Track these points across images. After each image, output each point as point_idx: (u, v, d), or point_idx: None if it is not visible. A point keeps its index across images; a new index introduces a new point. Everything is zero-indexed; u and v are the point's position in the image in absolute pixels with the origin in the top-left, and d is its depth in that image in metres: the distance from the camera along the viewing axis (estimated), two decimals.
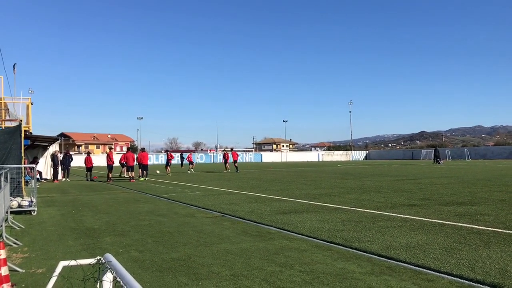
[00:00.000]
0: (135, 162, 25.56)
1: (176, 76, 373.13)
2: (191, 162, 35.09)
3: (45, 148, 27.35)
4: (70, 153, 30.38)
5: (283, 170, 37.06)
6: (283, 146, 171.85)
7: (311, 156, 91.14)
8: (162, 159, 77.22)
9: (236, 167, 32.09)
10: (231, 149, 35.87)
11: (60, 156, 26.96)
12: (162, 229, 8.08)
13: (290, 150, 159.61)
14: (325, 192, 14.48)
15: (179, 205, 11.92)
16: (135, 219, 9.44)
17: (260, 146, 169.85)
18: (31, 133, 18.03)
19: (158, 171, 32.43)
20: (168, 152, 31.08)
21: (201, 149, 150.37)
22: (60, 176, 26.74)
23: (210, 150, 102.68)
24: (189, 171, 33.86)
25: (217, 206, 11.23)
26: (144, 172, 24.81)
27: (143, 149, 26.90)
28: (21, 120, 13.65)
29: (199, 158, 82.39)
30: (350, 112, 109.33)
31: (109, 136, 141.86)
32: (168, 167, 29.49)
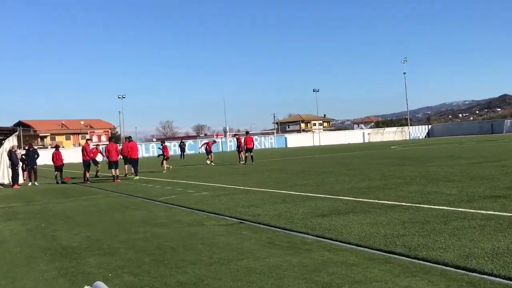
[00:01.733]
0: (119, 156, 25.83)
1: (165, 37, 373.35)
2: (209, 152, 35.67)
3: None
4: (35, 147, 30.82)
5: (317, 157, 37.02)
6: (314, 124, 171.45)
7: (353, 137, 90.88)
8: (153, 150, 77.89)
9: (252, 157, 32.11)
10: (247, 132, 35.93)
11: (19, 153, 27.36)
12: (162, 243, 8.19)
13: (324, 130, 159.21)
14: (376, 185, 14.42)
15: (181, 211, 12.02)
16: (125, 231, 9.58)
17: (283, 127, 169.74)
18: None
19: (170, 166, 32.77)
20: (163, 145, 31.16)
21: (205, 134, 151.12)
22: (21, 180, 27.22)
23: (217, 135, 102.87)
24: (209, 162, 34.62)
25: (232, 210, 11.30)
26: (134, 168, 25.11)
27: (129, 138, 27.16)
28: None
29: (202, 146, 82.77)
30: (404, 73, 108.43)
31: (82, 123, 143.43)
32: (165, 162, 29.70)
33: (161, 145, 31.77)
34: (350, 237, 7.64)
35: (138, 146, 26.56)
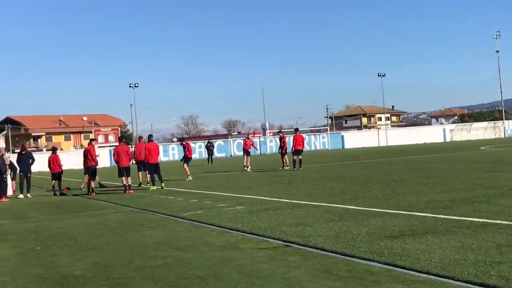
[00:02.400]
0: (132, 161, 26.10)
1: (187, 12, 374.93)
2: (247, 153, 36.80)
3: None
4: (28, 149, 31.33)
5: (383, 161, 36.71)
6: (379, 119, 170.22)
7: (430, 134, 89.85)
8: (174, 153, 78.60)
9: (300, 161, 32.02)
10: (296, 130, 35.86)
11: (8, 158, 27.80)
12: (187, 272, 8.24)
13: (392, 126, 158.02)
14: (462, 197, 14.22)
15: (210, 230, 12.06)
16: (140, 256, 9.68)
17: (339, 122, 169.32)
18: None
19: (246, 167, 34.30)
20: (185, 143, 31.38)
21: (238, 132, 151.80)
22: (10, 191, 27.69)
23: (254, 133, 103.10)
24: (246, 169, 35.60)
25: (275, 230, 11.29)
26: (149, 175, 25.30)
27: (149, 138, 27.23)
28: None
29: (234, 146, 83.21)
30: (497, 52, 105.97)
31: (84, 119, 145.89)
32: (186, 166, 30.00)
33: (182, 144, 31.68)
34: (429, 265, 7.54)
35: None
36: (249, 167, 35.83)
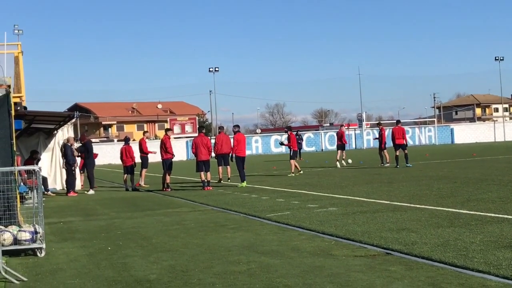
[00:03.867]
0: (212, 154, 26.34)
1: None
2: (341, 147, 37.06)
3: (49, 134, 29.47)
4: (90, 139, 32.14)
5: (501, 159, 35.88)
6: (496, 110, 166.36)
7: None
8: (257, 146, 79.06)
9: (406, 156, 31.68)
10: (398, 122, 35.63)
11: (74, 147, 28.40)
12: (274, 279, 8.27)
13: (511, 118, 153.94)
14: None
15: (299, 234, 12.09)
16: (221, 261, 9.77)
17: (448, 113, 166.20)
18: (25, 107, 19.27)
19: (349, 160, 36.45)
20: (289, 132, 31.31)
21: (331, 124, 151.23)
22: (78, 185, 28.44)
23: (349, 125, 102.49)
24: (340, 164, 36.22)
25: (373, 235, 11.23)
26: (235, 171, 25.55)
27: (235, 128, 27.44)
28: (8, 86, 14.58)
29: (326, 139, 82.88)
30: None
31: (159, 106, 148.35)
32: (294, 161, 30.35)
33: (287, 132, 31.52)
34: None
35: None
36: (338, 162, 36.19)
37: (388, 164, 33.04)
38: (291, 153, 30.73)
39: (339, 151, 36.86)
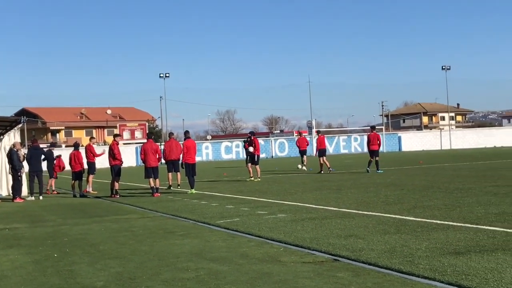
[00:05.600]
0: (162, 160, 26.26)
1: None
2: (303, 152, 39.04)
3: None
4: (40, 144, 31.81)
5: (447, 166, 36.39)
6: (442, 118, 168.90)
7: (502, 137, 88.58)
8: (208, 152, 79.00)
9: (377, 162, 32.96)
10: (373, 128, 37.48)
11: (23, 153, 27.97)
12: (222, 286, 8.23)
13: (457, 127, 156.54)
14: None
15: (248, 240, 12.06)
16: (169, 268, 9.71)
17: (396, 121, 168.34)
18: None
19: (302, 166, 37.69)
20: (253, 138, 31.32)
21: (281, 131, 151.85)
22: (25, 191, 28.02)
23: (301, 132, 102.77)
24: (301, 166, 38.48)
25: (322, 241, 11.24)
26: (183, 178, 25.48)
27: (187, 135, 27.36)
28: None
29: (276, 146, 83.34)
30: None
31: (108, 112, 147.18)
32: (249, 165, 30.80)
33: (251, 138, 31.44)
34: (499, 286, 7.46)
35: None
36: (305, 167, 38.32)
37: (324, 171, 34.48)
38: (256, 158, 30.69)
39: (304, 156, 38.46)
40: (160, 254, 11.02)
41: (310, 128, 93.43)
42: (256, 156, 30.65)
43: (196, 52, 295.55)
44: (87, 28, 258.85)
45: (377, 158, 32.77)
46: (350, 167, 41.35)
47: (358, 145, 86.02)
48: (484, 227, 11.93)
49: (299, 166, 38.32)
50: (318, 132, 40.10)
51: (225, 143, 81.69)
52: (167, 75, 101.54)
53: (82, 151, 29.37)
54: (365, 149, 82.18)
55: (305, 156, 38.98)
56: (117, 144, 26.79)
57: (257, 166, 30.61)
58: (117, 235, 13.89)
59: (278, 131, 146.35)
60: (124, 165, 30.89)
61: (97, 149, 31.60)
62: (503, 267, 8.41)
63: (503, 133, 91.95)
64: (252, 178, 30.08)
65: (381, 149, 35.16)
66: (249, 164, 30.72)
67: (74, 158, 27.59)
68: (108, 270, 9.77)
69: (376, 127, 38.69)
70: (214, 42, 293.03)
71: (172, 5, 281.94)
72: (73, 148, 29.62)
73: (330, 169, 34.94)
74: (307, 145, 40.52)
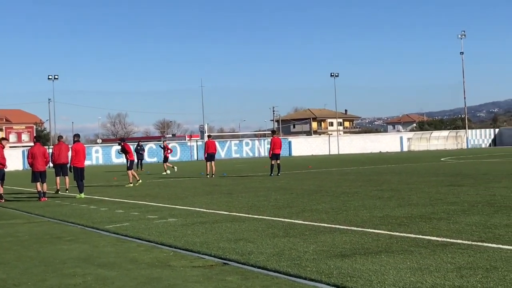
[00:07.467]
0: (50, 164, 25.74)
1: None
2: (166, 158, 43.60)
3: None
4: None
5: (334, 171, 37.04)
6: (331, 124, 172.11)
7: (387, 143, 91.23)
8: (98, 156, 78.11)
9: (279, 165, 34.31)
10: (273, 132, 41.16)
11: None
12: None
13: (345, 132, 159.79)
14: (419, 213, 14.40)
15: (138, 245, 11.95)
16: (56, 273, 9.51)
17: (286, 127, 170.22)
18: None
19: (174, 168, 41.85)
20: (123, 143, 32.17)
21: (173, 135, 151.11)
22: None
23: (191, 136, 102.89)
24: (166, 172, 41.85)
25: (212, 246, 11.24)
26: (76, 181, 25.03)
27: (76, 138, 26.88)
28: None
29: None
30: (461, 54, 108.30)
31: None
32: (132, 171, 31.19)
33: (120, 144, 32.56)
34: (382, 287, 7.63)
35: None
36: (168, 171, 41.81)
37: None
38: (128, 163, 31.34)
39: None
40: (46, 260, 10.76)
41: (202, 132, 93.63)
42: (129, 162, 31.31)
43: (87, 54, 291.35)
44: None
45: (278, 161, 34.00)
46: (241, 171, 41.65)
47: (249, 149, 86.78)
48: (369, 230, 12.17)
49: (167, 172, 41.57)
50: (209, 136, 41.21)
51: (116, 147, 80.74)
52: (56, 77, 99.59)
53: None
54: (262, 154, 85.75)
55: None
56: (3, 147, 26.05)
57: (129, 171, 30.90)
58: (1, 241, 13.46)
59: (170, 135, 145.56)
60: (11, 168, 30.11)
61: None
62: (386, 268, 8.60)
63: (388, 139, 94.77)
64: (131, 184, 30.08)
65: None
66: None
67: None
68: None
69: (211, 136, 41.97)
70: (106, 44, 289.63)
71: (60, 7, 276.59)
72: None
73: (209, 175, 35.78)
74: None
